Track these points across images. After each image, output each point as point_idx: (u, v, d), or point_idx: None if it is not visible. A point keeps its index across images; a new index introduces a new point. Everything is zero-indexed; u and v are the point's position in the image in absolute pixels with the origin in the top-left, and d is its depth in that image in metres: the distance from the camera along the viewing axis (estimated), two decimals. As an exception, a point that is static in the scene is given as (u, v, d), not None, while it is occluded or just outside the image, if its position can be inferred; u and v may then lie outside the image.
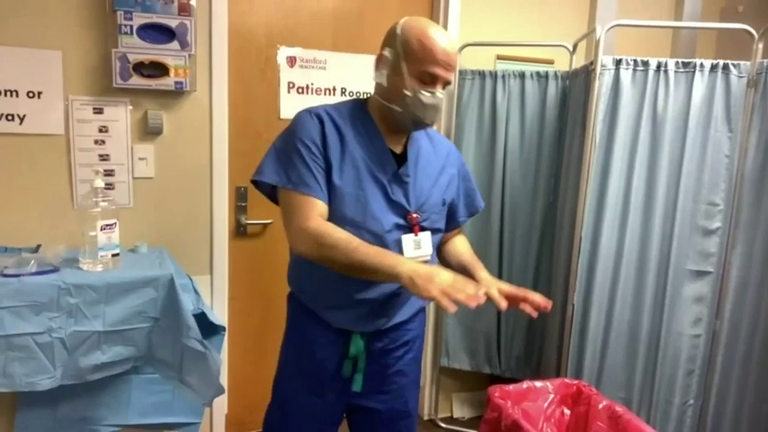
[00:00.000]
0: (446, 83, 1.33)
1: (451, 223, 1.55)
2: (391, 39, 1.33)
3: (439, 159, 1.47)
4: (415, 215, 1.38)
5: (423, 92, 1.29)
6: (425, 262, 1.38)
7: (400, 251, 1.35)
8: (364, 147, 1.36)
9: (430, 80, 1.30)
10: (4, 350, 1.54)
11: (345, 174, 1.33)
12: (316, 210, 1.29)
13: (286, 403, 1.52)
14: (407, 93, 1.30)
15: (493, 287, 1.30)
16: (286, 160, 1.33)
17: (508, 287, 1.32)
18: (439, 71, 1.29)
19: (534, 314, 1.31)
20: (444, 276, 1.16)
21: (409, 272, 1.17)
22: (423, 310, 1.57)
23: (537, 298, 1.31)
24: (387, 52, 1.33)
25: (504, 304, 1.24)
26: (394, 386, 1.51)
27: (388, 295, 1.38)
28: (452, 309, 1.11)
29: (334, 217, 1.32)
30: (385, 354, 1.47)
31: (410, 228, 1.38)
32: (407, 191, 1.38)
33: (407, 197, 1.38)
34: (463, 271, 1.45)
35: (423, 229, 1.40)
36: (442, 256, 1.56)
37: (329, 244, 1.24)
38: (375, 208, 1.34)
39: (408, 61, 1.29)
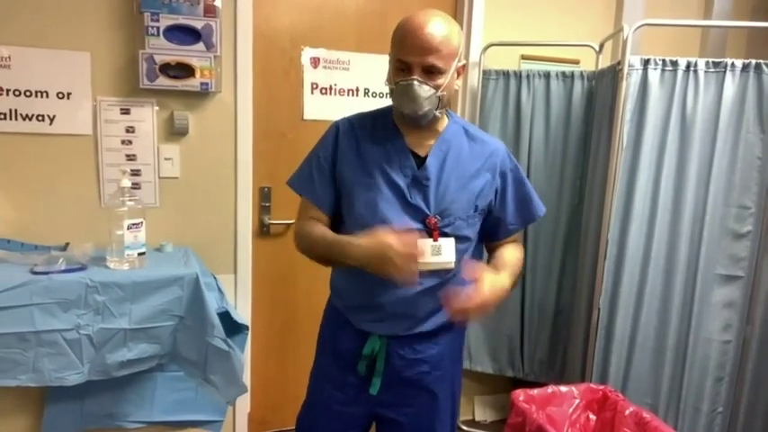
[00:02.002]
0: (426, 69, 1.26)
1: (500, 231, 1.46)
2: None
3: (474, 162, 1.39)
4: (433, 219, 1.34)
5: (399, 82, 1.28)
6: (448, 271, 1.34)
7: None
8: (382, 150, 1.36)
9: (405, 69, 1.27)
10: (33, 346, 1.58)
11: (358, 178, 1.36)
12: (312, 212, 1.41)
13: (315, 399, 1.54)
14: (391, 86, 1.32)
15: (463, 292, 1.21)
16: (306, 168, 1.44)
17: (475, 291, 1.21)
18: (410, 58, 1.25)
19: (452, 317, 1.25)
20: (395, 250, 1.16)
21: (360, 255, 1.23)
22: (455, 328, 1.48)
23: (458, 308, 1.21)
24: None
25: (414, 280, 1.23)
26: (420, 401, 1.45)
27: (403, 299, 1.35)
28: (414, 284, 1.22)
29: (350, 221, 1.38)
30: (408, 365, 1.42)
31: (429, 233, 1.33)
32: (427, 194, 1.34)
33: (427, 200, 1.34)
34: None
35: (445, 234, 1.34)
36: (489, 263, 1.50)
37: (307, 238, 1.38)
38: (386, 210, 1.32)
39: (391, 54, 1.32)
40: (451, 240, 1.34)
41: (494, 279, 1.26)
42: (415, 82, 1.26)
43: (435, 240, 1.33)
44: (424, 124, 1.36)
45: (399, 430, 1.47)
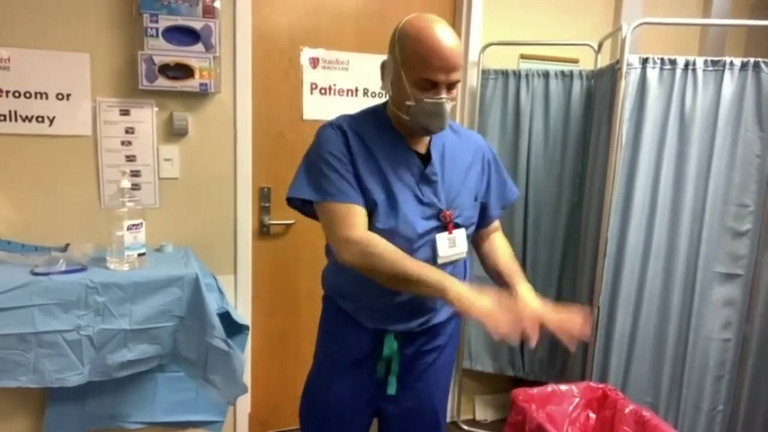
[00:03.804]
0: (450, 85, 1.27)
1: (484, 219, 1.51)
2: (391, 45, 1.30)
3: (467, 154, 1.44)
4: (448, 213, 1.37)
5: (425, 100, 1.25)
6: (458, 260, 1.40)
7: (434, 251, 1.35)
8: (388, 152, 1.35)
9: (430, 87, 1.25)
10: (34, 347, 1.58)
11: (374, 182, 1.32)
12: (358, 217, 1.29)
13: (322, 392, 1.49)
14: (410, 102, 1.27)
15: (529, 317, 1.22)
16: (319, 175, 1.32)
17: (550, 315, 1.25)
18: (438, 77, 1.23)
19: (572, 348, 1.23)
20: (485, 304, 1.18)
21: (456, 292, 1.20)
22: (457, 318, 1.54)
23: (576, 325, 1.23)
24: (388, 59, 1.32)
25: (534, 342, 1.20)
26: (422, 393, 1.48)
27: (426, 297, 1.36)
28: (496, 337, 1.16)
29: (371, 222, 1.32)
30: (417, 357, 1.45)
31: (444, 226, 1.37)
32: (437, 189, 1.36)
33: (438, 196, 1.36)
34: (499, 279, 1.43)
35: (456, 226, 1.38)
36: (481, 258, 1.54)
37: (375, 253, 1.24)
38: (407, 212, 1.32)
39: (406, 69, 1.26)
40: (463, 231, 1.40)
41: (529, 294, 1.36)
42: (445, 100, 1.26)
43: (450, 233, 1.37)
44: None
45: (404, 422, 1.49)
